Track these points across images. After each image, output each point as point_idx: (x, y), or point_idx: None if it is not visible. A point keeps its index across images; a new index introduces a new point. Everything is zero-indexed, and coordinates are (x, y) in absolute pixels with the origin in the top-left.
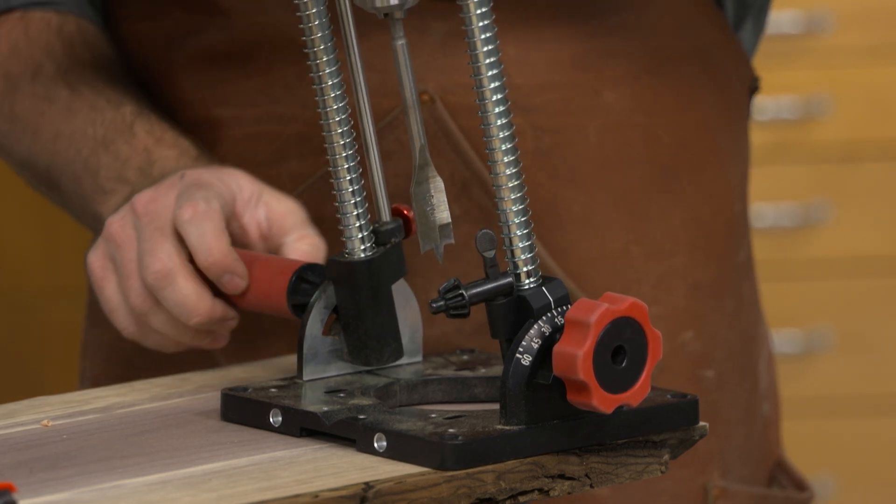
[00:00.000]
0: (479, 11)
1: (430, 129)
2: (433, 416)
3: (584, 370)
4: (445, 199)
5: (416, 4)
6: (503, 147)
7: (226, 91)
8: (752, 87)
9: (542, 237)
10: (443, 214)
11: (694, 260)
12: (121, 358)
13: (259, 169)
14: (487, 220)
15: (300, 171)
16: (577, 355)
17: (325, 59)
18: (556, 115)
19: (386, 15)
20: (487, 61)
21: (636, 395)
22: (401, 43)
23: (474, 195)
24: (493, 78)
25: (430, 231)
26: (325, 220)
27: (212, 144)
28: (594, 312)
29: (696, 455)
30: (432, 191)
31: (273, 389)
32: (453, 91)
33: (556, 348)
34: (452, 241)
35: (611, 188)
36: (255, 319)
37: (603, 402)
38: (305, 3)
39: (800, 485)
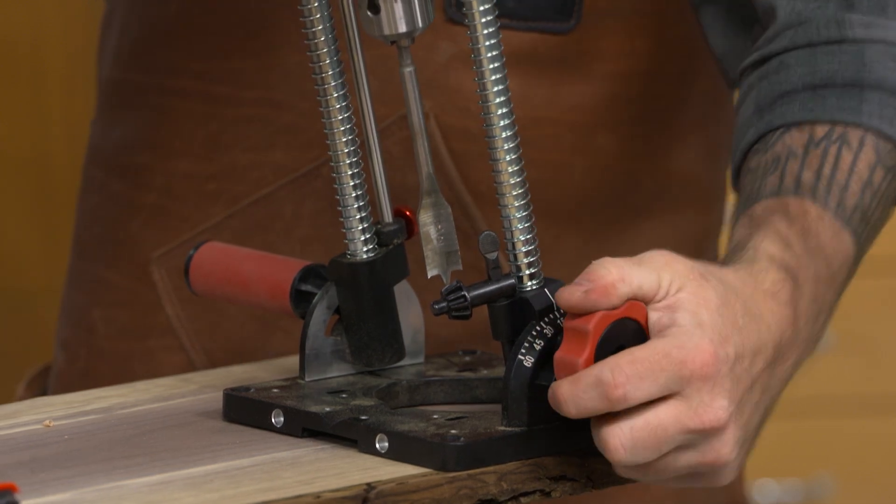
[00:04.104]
0: (484, 20)
1: None
2: (435, 417)
3: None
4: (454, 227)
5: (429, 23)
6: (506, 148)
7: (222, 67)
8: None
9: None
10: (450, 241)
11: None
12: (87, 324)
13: (246, 153)
14: (464, 242)
15: (285, 163)
16: (577, 363)
17: (328, 61)
18: (546, 151)
19: (393, 42)
20: (490, 55)
21: None
22: (409, 70)
23: (454, 216)
24: (496, 72)
25: (436, 256)
26: (303, 217)
27: (205, 120)
28: (591, 319)
29: (647, 490)
30: (440, 219)
31: (275, 390)
32: (450, 112)
33: (557, 356)
34: (460, 267)
35: (583, 224)
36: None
37: None
38: (309, 7)
39: None
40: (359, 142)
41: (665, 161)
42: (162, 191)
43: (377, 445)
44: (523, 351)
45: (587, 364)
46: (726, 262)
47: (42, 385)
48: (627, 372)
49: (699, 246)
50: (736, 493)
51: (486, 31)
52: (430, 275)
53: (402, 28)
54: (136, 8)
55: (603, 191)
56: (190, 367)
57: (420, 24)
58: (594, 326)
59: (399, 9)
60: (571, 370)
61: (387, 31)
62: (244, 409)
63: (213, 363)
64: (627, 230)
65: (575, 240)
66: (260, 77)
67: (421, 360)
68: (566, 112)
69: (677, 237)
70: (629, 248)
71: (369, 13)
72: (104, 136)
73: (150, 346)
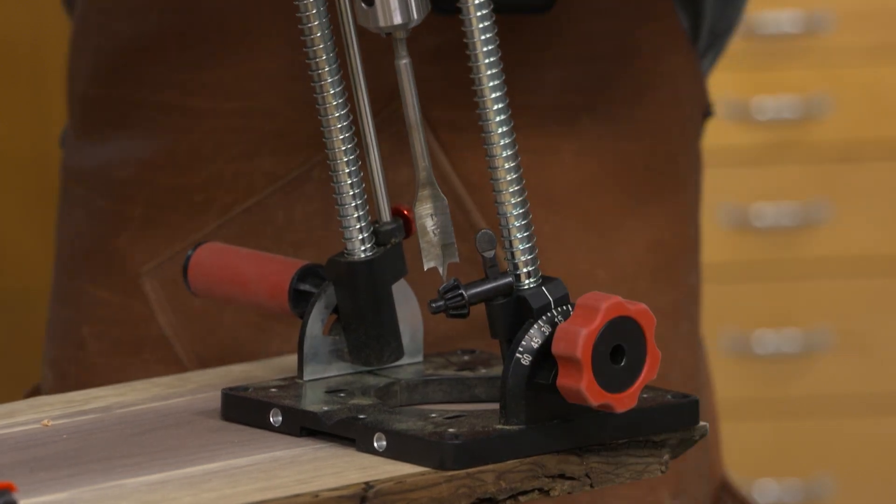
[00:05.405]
0: (479, 14)
1: (405, 138)
2: (433, 415)
3: (584, 348)
4: (450, 219)
5: (425, 14)
6: (502, 144)
7: (202, 79)
8: (706, 111)
9: None
10: (447, 234)
11: (655, 284)
12: (77, 341)
13: (233, 162)
14: (460, 236)
15: (273, 170)
16: (580, 332)
17: (324, 57)
18: (533, 137)
19: (388, 34)
20: (485, 48)
21: (622, 401)
22: (404, 62)
23: (450, 211)
24: (493, 76)
25: (433, 249)
26: (295, 222)
27: (186, 131)
28: (608, 300)
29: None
30: (436, 211)
31: (273, 389)
32: (438, 104)
33: (561, 326)
34: (457, 259)
35: (582, 211)
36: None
37: (590, 388)
38: (306, 3)
39: None
40: (356, 140)
41: (650, 141)
42: (149, 204)
43: (375, 444)
44: (521, 349)
45: (591, 336)
46: None
47: None
48: None
49: (687, 223)
50: (717, 470)
51: (481, 25)
52: (426, 267)
53: (398, 20)
54: (112, 25)
55: (596, 174)
56: None
57: (415, 16)
58: (608, 307)
59: (394, 0)
60: (573, 339)
61: (382, 24)
62: (242, 409)
63: None
64: (624, 215)
65: (574, 229)
66: (241, 86)
67: (419, 359)
68: (550, 97)
69: (667, 218)
70: (626, 233)
71: (364, 5)
72: (83, 154)
73: (144, 359)
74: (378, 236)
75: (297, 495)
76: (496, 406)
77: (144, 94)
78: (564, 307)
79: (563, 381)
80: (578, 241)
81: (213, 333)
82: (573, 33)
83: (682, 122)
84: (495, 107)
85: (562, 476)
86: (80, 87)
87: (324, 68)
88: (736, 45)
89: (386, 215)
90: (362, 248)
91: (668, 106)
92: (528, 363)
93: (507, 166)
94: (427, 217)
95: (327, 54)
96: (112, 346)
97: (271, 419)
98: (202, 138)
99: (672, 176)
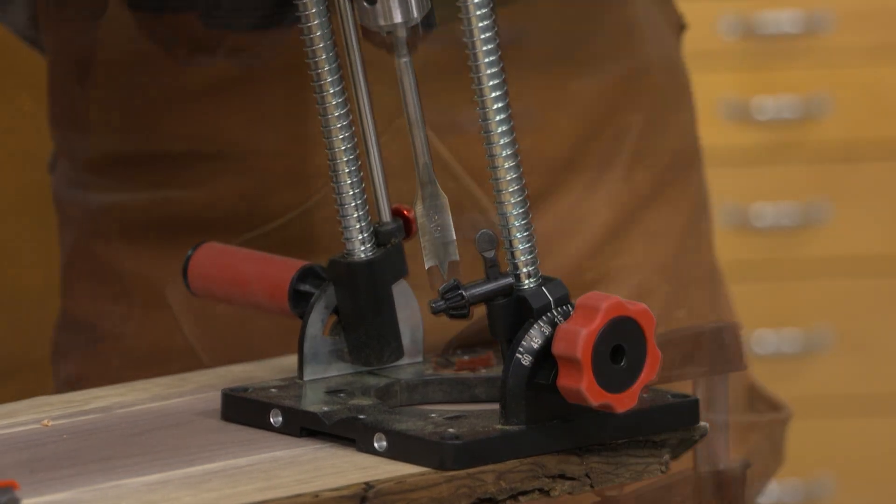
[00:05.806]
0: (479, 13)
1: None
2: (433, 415)
3: (584, 348)
4: (450, 217)
5: (424, 13)
6: (502, 143)
7: (210, 127)
8: (680, 25)
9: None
10: (447, 232)
11: (655, 209)
12: (101, 359)
13: (244, 202)
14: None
15: (291, 200)
16: (580, 332)
17: (324, 56)
18: (532, 117)
19: (389, 33)
20: (485, 48)
21: (622, 401)
22: (405, 60)
23: (465, 207)
24: (493, 76)
25: (434, 248)
26: (321, 240)
27: (203, 178)
28: (607, 300)
29: None
30: (437, 209)
31: (273, 389)
32: (433, 111)
33: (561, 326)
34: (457, 258)
35: (579, 163)
36: (247, 320)
37: (591, 388)
38: (305, 2)
39: (775, 406)
40: (356, 139)
41: (637, 83)
42: (163, 229)
43: (375, 444)
44: (521, 349)
45: (591, 336)
46: None
47: None
48: None
49: (684, 137)
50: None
51: (481, 25)
52: (427, 266)
53: (398, 18)
54: (120, 79)
55: (592, 134)
56: None
57: (415, 14)
58: (607, 307)
59: None
60: (573, 340)
61: (382, 22)
62: (242, 409)
63: None
64: (625, 156)
65: (571, 185)
66: (246, 132)
67: (419, 359)
68: (540, 74)
69: (663, 144)
70: (625, 172)
71: (366, 4)
72: (85, 194)
73: (172, 371)
74: (378, 236)
75: (297, 495)
76: (496, 406)
77: (148, 144)
78: (564, 307)
79: (564, 381)
80: (577, 183)
81: (239, 341)
82: (549, 8)
83: (665, 49)
84: (495, 106)
85: (562, 476)
86: (70, 135)
87: (323, 68)
88: (736, 45)
89: (386, 215)
90: (362, 248)
91: (649, 40)
92: (528, 363)
93: (507, 166)
94: (428, 215)
95: (327, 54)
96: (139, 361)
97: (271, 419)
98: (218, 182)
99: (665, 103)
